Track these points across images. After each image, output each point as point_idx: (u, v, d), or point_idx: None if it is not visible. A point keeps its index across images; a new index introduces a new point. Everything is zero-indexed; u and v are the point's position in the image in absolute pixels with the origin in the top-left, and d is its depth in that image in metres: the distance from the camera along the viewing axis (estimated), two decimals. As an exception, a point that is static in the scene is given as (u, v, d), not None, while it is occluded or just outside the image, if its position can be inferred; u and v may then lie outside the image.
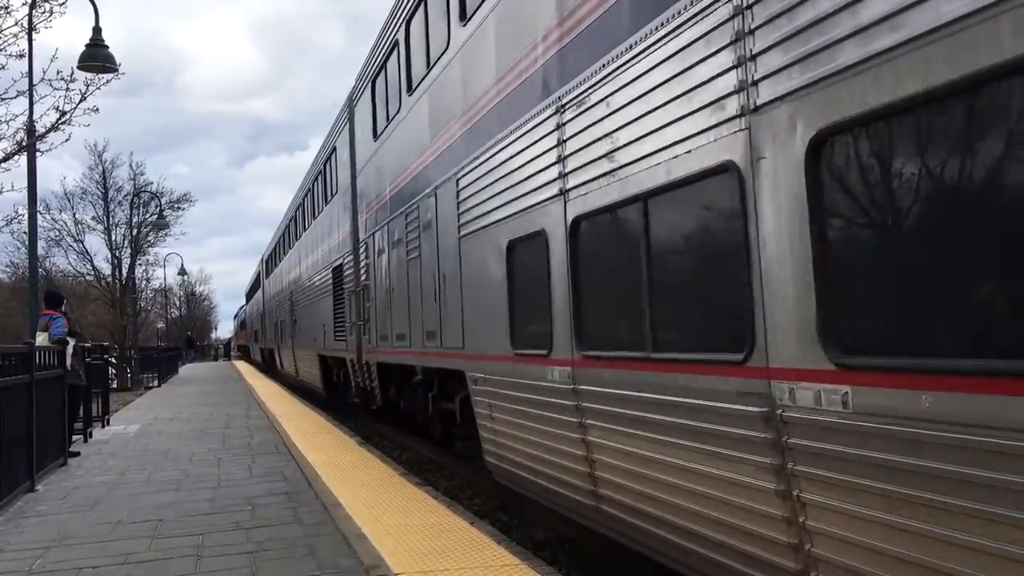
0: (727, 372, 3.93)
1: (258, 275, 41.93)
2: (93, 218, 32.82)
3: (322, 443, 10.57)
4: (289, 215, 25.72)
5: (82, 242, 33.06)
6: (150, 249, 36.23)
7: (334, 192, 15.92)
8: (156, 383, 27.33)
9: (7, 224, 18.54)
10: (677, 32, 4.24)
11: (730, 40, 3.83)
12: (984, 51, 2.62)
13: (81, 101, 13.67)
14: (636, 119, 4.62)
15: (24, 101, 13.24)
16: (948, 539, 2.84)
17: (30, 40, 13.12)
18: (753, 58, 3.68)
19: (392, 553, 5.09)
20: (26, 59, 13.15)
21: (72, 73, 13.43)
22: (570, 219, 5.47)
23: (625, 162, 4.74)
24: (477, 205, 7.26)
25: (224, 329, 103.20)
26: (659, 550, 4.86)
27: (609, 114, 4.92)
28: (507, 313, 6.58)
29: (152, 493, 7.63)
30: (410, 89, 9.65)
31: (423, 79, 9.04)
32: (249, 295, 51.04)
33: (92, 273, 33.50)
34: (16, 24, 13.31)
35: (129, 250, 32.62)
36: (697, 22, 4.07)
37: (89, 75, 13.62)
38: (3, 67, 13.21)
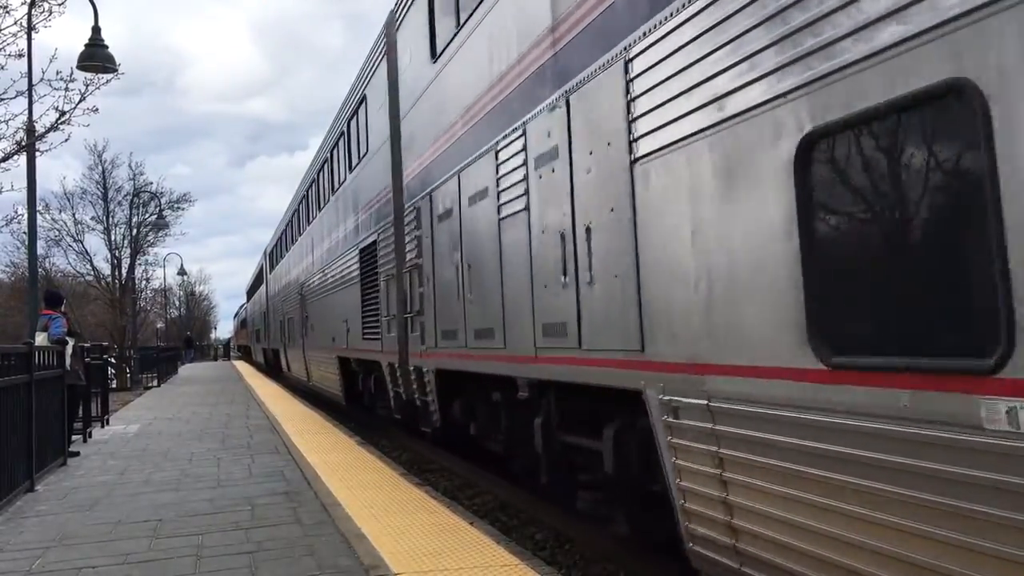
0: None
1: (260, 270, 39.11)
2: (93, 218, 32.89)
3: (322, 443, 10.57)
4: (297, 200, 22.78)
5: (82, 242, 33.13)
6: (150, 249, 36.30)
7: (361, 155, 12.85)
8: (155, 383, 27.32)
9: (7, 224, 18.61)
10: None
11: None
12: None
13: (80, 101, 13.71)
14: None
15: (23, 101, 13.26)
16: None
17: (29, 40, 13.13)
18: None
19: (392, 553, 5.09)
20: (25, 59, 13.17)
21: (71, 73, 13.46)
22: None
23: None
24: (696, 86, 4.03)
25: (224, 329, 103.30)
26: None
27: None
28: (797, 282, 3.41)
29: (152, 493, 7.63)
30: None
31: None
32: (250, 293, 48.71)
33: (92, 273, 33.55)
34: (15, 24, 13.32)
35: (129, 250, 32.67)
36: None
37: (88, 75, 13.64)
38: (2, 67, 13.23)
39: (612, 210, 4.87)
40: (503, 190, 6.57)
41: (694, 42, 4.04)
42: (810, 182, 3.37)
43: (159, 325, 60.81)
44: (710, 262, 3.97)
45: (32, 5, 13.19)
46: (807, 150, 3.36)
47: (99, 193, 32.84)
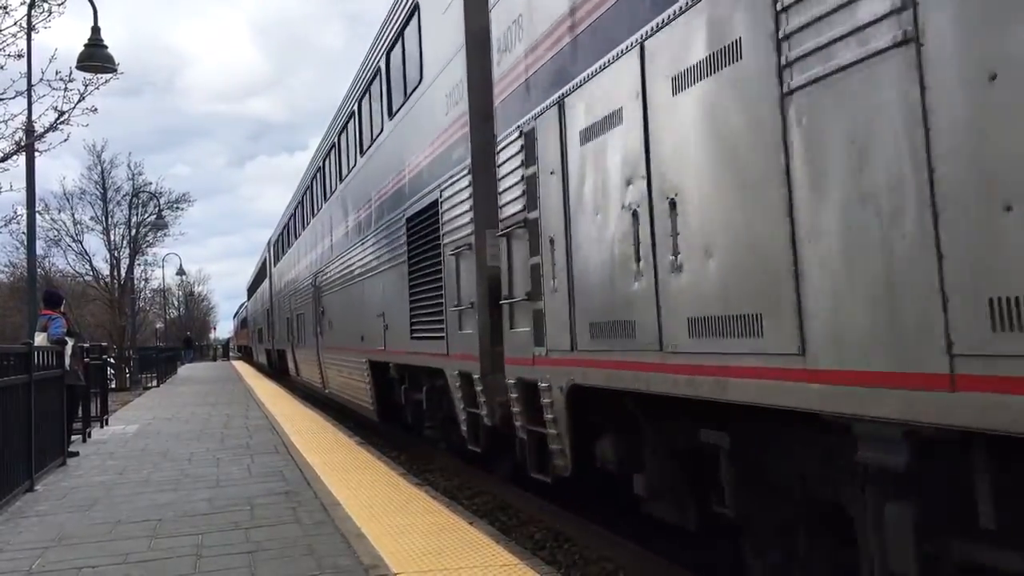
0: None
1: (263, 264, 35.62)
2: (92, 218, 32.83)
3: (321, 443, 10.57)
4: (310, 176, 19.22)
5: (81, 242, 33.07)
6: (149, 249, 36.23)
7: (409, 92, 9.43)
8: (155, 383, 27.32)
9: (6, 224, 18.54)
10: None
11: None
12: None
13: (80, 101, 13.71)
14: None
15: (23, 101, 13.26)
16: None
17: (29, 40, 13.12)
18: None
19: (391, 552, 5.09)
20: (25, 59, 13.17)
21: (71, 73, 13.46)
22: None
23: None
24: None
25: (223, 329, 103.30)
26: None
27: None
28: None
29: (151, 493, 7.63)
30: None
31: None
32: (251, 290, 46.11)
33: (91, 273, 33.50)
34: (15, 24, 13.31)
35: (128, 250, 32.65)
36: None
37: (88, 75, 13.64)
38: (2, 67, 13.23)
39: None
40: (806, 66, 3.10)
41: None
42: None
43: (158, 325, 60.82)
44: None
45: (32, 6, 13.19)
46: None
47: (98, 193, 32.82)
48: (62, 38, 55.97)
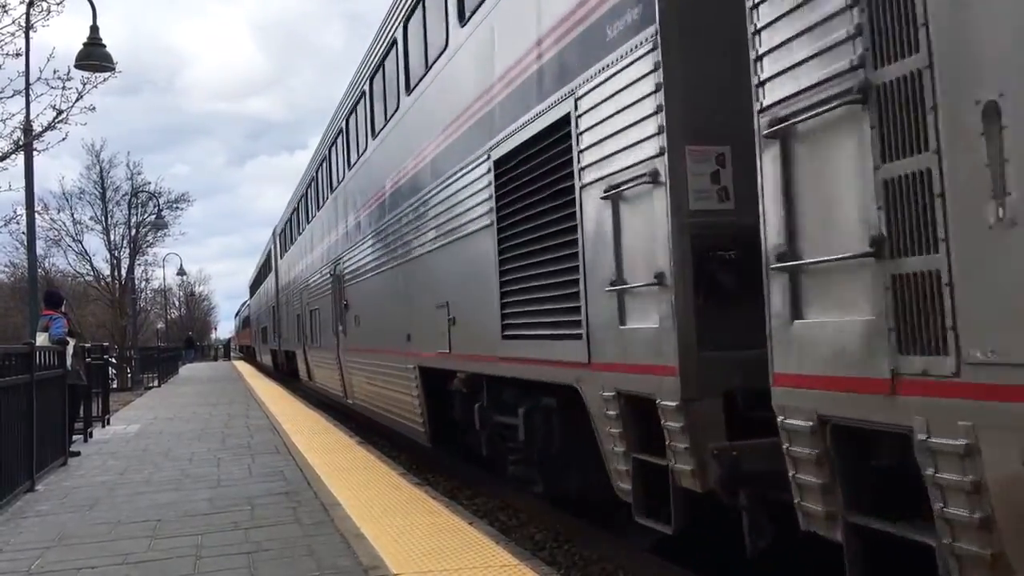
0: None
1: (267, 258, 32.67)
2: (91, 218, 32.96)
3: (321, 443, 10.57)
4: (328, 143, 15.65)
5: (81, 242, 33.17)
6: (149, 249, 36.38)
7: None
8: (156, 383, 27.34)
9: (5, 224, 18.59)
10: None
11: None
12: None
13: (78, 100, 13.77)
14: None
15: (21, 100, 13.28)
16: None
17: (27, 39, 13.16)
18: None
19: (391, 553, 5.09)
20: (23, 58, 13.19)
21: (69, 72, 13.49)
22: None
23: None
24: None
25: (224, 329, 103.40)
26: None
27: None
28: None
29: (152, 493, 7.63)
30: None
31: None
32: (254, 287, 43.76)
33: (91, 273, 33.60)
34: (14, 23, 13.35)
35: (128, 250, 32.71)
36: None
37: (86, 74, 13.66)
38: (0, 66, 13.25)
39: None
40: None
41: None
42: None
43: (159, 325, 60.91)
44: None
45: (31, 4, 13.22)
46: None
47: (97, 193, 32.94)
48: (61, 37, 56.00)
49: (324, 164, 16.17)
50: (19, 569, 5.20)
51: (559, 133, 5.45)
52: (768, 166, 3.54)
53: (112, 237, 32.38)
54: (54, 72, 13.55)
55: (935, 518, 2.76)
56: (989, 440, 2.54)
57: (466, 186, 7.33)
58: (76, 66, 13.26)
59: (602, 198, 4.86)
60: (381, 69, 10.66)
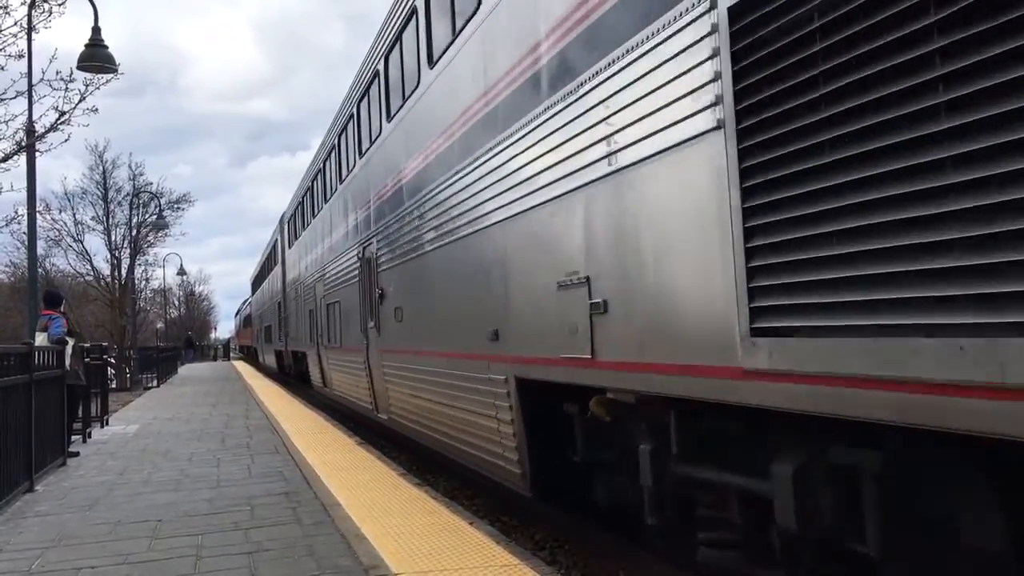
0: None
1: (272, 250, 30.20)
2: (93, 218, 33.00)
3: (321, 443, 10.57)
4: (358, 93, 12.18)
5: (82, 242, 33.18)
6: (149, 249, 36.40)
7: None
8: (155, 383, 27.30)
9: (7, 224, 18.61)
10: None
11: None
12: None
13: (80, 101, 13.82)
14: None
15: (24, 101, 13.29)
16: None
17: (29, 40, 13.15)
18: None
19: (391, 553, 5.09)
20: (25, 59, 13.19)
21: (71, 73, 13.50)
22: None
23: None
24: None
25: (224, 329, 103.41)
26: None
27: None
28: None
29: (151, 493, 7.63)
30: None
31: None
32: (256, 283, 41.56)
33: (91, 273, 33.61)
34: (15, 24, 13.36)
35: (128, 250, 32.72)
36: None
37: (88, 75, 13.67)
38: (2, 68, 13.26)
39: None
40: None
41: None
42: None
43: (159, 325, 60.89)
44: None
45: (32, 6, 13.22)
46: None
47: (99, 193, 32.96)
48: (63, 38, 56.05)
49: (351, 124, 12.84)
50: (19, 569, 5.20)
51: None
52: None
53: (113, 237, 32.45)
54: (57, 73, 13.59)
55: None
56: None
57: (651, 71, 4.13)
58: (78, 67, 13.26)
59: None
60: None
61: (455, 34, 7.40)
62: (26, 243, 19.04)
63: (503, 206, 6.27)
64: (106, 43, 13.32)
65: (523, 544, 6.15)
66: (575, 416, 5.76)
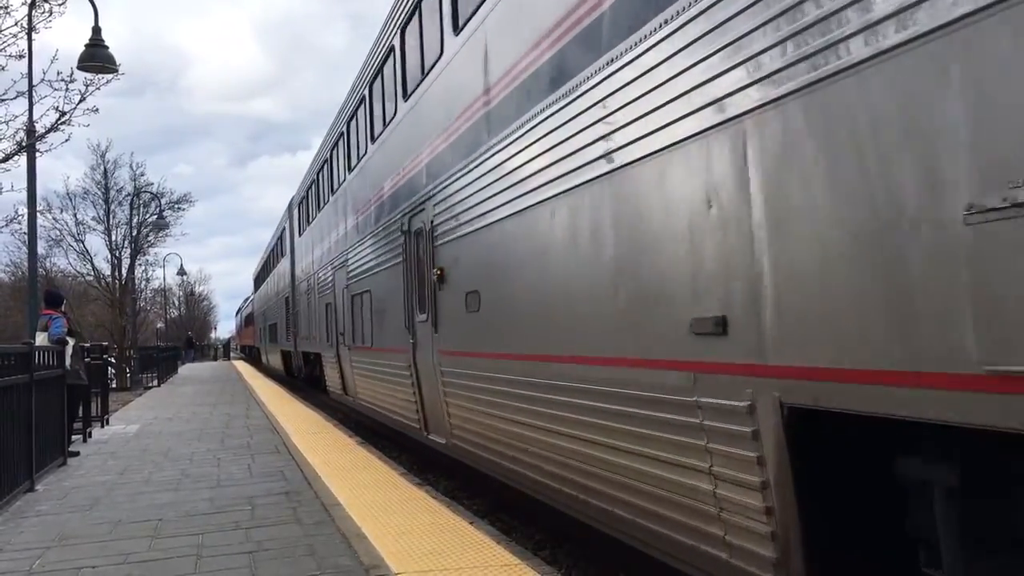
0: None
1: (279, 240, 27.26)
2: (94, 218, 32.98)
3: (322, 443, 10.57)
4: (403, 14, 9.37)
5: (82, 242, 33.18)
6: (150, 249, 36.39)
7: None
8: (155, 383, 27.30)
9: (7, 224, 18.62)
10: None
11: None
12: None
13: (81, 101, 13.79)
14: None
15: (24, 102, 13.29)
16: None
17: (29, 40, 13.16)
18: None
19: (392, 553, 5.09)
20: (26, 59, 13.20)
21: (72, 73, 13.50)
22: None
23: None
24: None
25: (224, 329, 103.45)
26: None
27: None
28: None
29: (152, 493, 7.63)
30: None
31: None
32: (259, 279, 39.44)
33: (92, 273, 33.60)
34: (16, 24, 13.35)
35: (129, 250, 32.73)
36: None
37: (89, 75, 13.67)
38: (3, 68, 13.26)
39: None
40: None
41: None
42: None
43: (159, 325, 60.90)
44: None
45: (32, 6, 13.22)
46: None
47: (100, 193, 32.96)
48: (63, 38, 56.11)
49: (391, 59, 10.12)
50: (20, 568, 5.20)
51: None
52: None
53: (114, 237, 32.44)
54: (57, 74, 13.57)
55: None
56: None
57: None
58: (79, 68, 13.26)
59: None
60: None
61: None
62: (27, 243, 19.04)
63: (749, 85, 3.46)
64: (106, 43, 13.33)
65: (523, 544, 6.15)
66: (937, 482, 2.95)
